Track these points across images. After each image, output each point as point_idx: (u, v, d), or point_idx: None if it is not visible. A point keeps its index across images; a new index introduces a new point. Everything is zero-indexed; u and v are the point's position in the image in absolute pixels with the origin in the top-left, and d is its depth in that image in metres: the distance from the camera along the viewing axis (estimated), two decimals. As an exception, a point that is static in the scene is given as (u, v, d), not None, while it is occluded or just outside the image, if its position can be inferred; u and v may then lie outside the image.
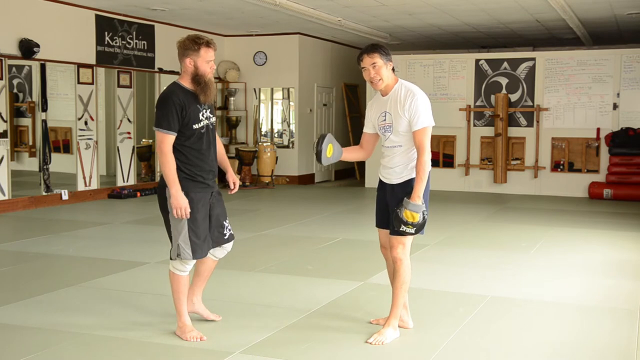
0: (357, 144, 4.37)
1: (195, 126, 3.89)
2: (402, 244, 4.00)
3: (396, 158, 4.04)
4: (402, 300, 4.06)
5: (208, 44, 3.92)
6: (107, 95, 11.06)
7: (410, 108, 3.94)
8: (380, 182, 4.20)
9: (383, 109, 4.08)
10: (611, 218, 8.98)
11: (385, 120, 4.06)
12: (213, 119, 4.04)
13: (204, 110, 3.95)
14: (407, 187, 4.01)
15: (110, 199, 10.56)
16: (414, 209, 3.87)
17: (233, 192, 4.20)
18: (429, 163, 3.97)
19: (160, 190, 3.97)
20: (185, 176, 3.89)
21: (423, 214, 3.91)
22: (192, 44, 3.91)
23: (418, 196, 3.90)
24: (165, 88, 4.03)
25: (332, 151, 4.05)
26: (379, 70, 3.97)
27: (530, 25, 11.84)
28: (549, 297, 5.06)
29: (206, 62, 3.90)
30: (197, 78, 3.89)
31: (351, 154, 4.34)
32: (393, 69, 4.07)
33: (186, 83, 3.93)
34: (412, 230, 3.90)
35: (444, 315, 4.54)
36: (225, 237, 4.13)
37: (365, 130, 4.25)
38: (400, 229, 3.90)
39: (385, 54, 4.00)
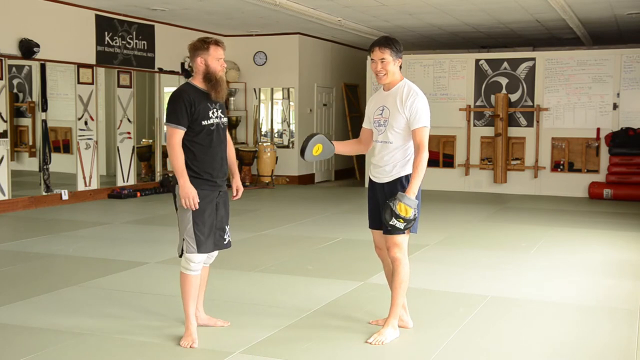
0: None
1: (204, 122, 3.96)
2: (398, 245, 3.99)
3: (386, 156, 4.03)
4: (401, 300, 4.05)
5: (217, 42, 4.03)
6: (107, 95, 11.06)
7: (412, 107, 3.94)
8: (371, 181, 4.20)
9: (382, 103, 4.09)
10: (611, 218, 8.98)
11: (381, 114, 4.06)
12: (224, 119, 4.10)
13: (215, 110, 4.03)
14: (396, 186, 4.00)
15: (110, 199, 10.56)
16: (408, 203, 3.84)
17: (235, 198, 4.26)
18: (425, 162, 3.94)
19: (174, 189, 4.03)
20: (191, 174, 3.95)
21: (415, 211, 3.88)
22: (201, 44, 4.02)
23: (413, 192, 3.88)
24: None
25: (320, 150, 4.12)
26: (386, 65, 3.99)
27: (530, 25, 11.84)
28: (549, 297, 5.06)
29: (216, 59, 4.00)
30: (208, 76, 3.99)
31: (348, 147, 4.33)
32: (400, 67, 4.07)
33: (198, 83, 4.02)
34: (402, 226, 3.86)
35: (444, 315, 4.54)
36: (225, 243, 4.15)
37: (364, 125, 4.28)
38: (390, 222, 3.86)
39: (397, 50, 4.01)
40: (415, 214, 3.88)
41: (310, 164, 13.49)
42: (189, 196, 3.88)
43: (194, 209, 3.92)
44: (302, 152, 4.08)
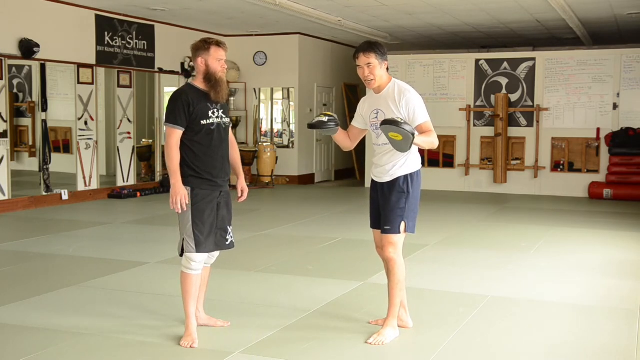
0: (357, 145, 4.39)
1: (204, 122, 3.97)
2: (393, 244, 4.00)
3: (386, 156, 4.04)
4: (399, 299, 4.06)
5: (218, 43, 4.05)
6: (107, 95, 11.07)
7: (408, 106, 3.95)
8: (373, 181, 4.20)
9: (375, 106, 4.09)
10: (611, 218, 8.98)
11: (377, 117, 4.07)
12: (226, 120, 4.10)
13: (215, 110, 4.03)
14: (396, 185, 4.00)
15: (110, 199, 10.56)
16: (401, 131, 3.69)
17: (240, 200, 4.25)
18: (436, 142, 3.91)
19: None
20: (191, 173, 3.96)
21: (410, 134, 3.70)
22: (203, 44, 4.04)
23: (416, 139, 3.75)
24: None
25: (327, 116, 4.11)
26: (373, 70, 3.99)
27: (530, 25, 11.84)
28: (549, 297, 5.06)
29: (217, 60, 4.01)
30: (208, 76, 4.00)
31: (342, 136, 4.30)
32: (387, 68, 4.07)
33: (198, 83, 4.04)
34: (402, 121, 3.69)
35: (444, 315, 4.54)
36: (227, 243, 4.14)
37: (353, 123, 4.30)
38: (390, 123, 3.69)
39: (382, 53, 4.01)
40: (414, 131, 3.73)
41: (310, 164, 13.49)
42: (178, 195, 3.88)
43: (179, 212, 3.92)
44: (314, 126, 4.09)
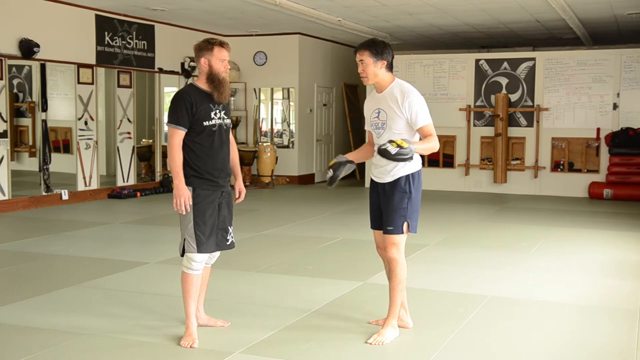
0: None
1: (206, 123, 3.97)
2: (396, 244, 4.00)
3: None
4: (399, 299, 4.06)
5: (221, 43, 4.05)
6: (107, 95, 11.07)
7: (411, 107, 3.94)
8: (372, 182, 4.19)
9: (377, 106, 4.09)
10: (611, 218, 8.98)
11: (378, 117, 4.06)
12: (228, 121, 4.11)
13: (217, 110, 4.04)
14: (398, 185, 4.00)
15: (110, 199, 10.56)
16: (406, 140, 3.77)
17: (238, 201, 4.26)
18: (437, 146, 3.93)
19: None
20: (193, 173, 3.96)
21: (410, 147, 3.74)
22: (206, 44, 4.04)
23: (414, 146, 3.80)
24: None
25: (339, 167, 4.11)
26: (366, 67, 4.01)
27: (530, 25, 11.85)
28: (549, 297, 5.06)
29: (219, 60, 4.01)
30: (211, 76, 4.00)
31: (362, 154, 4.32)
32: (392, 68, 4.06)
33: (201, 84, 4.04)
34: (393, 150, 3.70)
35: (444, 315, 4.54)
36: (228, 243, 4.14)
37: (366, 128, 4.27)
38: (383, 147, 3.74)
39: (377, 53, 3.99)
40: (411, 149, 3.75)
41: (310, 164, 13.49)
42: (182, 196, 3.89)
43: (183, 213, 3.92)
44: (333, 181, 4.07)
